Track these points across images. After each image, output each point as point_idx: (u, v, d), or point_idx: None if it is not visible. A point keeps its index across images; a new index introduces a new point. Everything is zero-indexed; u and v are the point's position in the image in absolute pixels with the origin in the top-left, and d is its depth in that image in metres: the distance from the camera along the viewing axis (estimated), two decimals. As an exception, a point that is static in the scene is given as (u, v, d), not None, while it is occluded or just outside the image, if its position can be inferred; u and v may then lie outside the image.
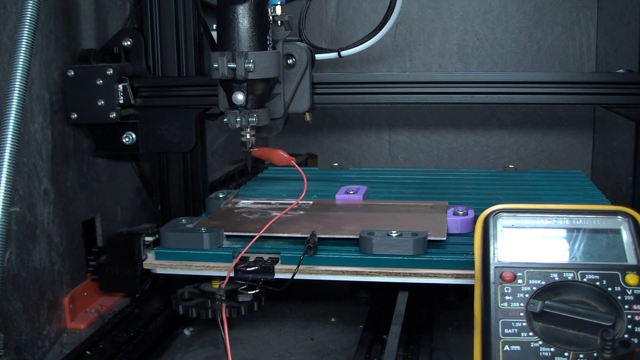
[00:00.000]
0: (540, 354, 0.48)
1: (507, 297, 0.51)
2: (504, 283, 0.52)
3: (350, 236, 0.78)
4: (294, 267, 0.74)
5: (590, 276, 0.51)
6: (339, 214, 0.88)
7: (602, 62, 1.37)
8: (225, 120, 0.81)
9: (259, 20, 0.78)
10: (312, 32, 1.43)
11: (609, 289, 0.50)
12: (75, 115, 0.93)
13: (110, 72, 0.93)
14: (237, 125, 0.81)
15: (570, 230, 0.55)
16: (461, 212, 0.83)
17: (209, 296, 0.79)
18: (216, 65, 0.78)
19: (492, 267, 0.53)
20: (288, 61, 0.89)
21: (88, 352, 0.75)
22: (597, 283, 0.51)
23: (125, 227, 1.00)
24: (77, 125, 0.95)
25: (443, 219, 0.82)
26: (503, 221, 0.56)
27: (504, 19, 1.42)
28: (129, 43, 0.98)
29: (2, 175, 0.62)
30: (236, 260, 0.75)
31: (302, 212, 0.88)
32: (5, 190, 0.62)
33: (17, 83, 0.65)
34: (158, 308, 0.88)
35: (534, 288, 0.51)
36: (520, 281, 0.52)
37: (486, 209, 0.57)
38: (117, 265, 0.89)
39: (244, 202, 0.94)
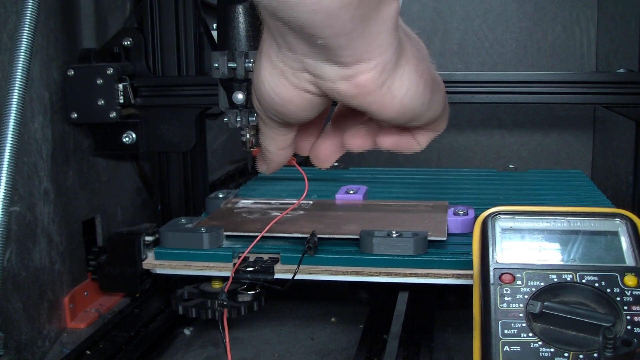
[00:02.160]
0: (540, 354, 0.48)
1: (506, 298, 0.51)
2: (503, 284, 0.52)
3: (351, 236, 0.78)
4: (294, 267, 0.74)
5: (589, 277, 0.51)
6: (339, 213, 0.88)
7: (602, 61, 1.37)
8: (225, 119, 0.81)
9: (259, 19, 0.78)
10: (312, 32, 1.43)
11: (608, 290, 0.50)
12: (76, 115, 0.93)
13: (110, 71, 0.93)
14: (238, 125, 0.80)
15: (568, 232, 0.55)
16: (461, 212, 0.83)
17: (209, 296, 0.79)
18: (216, 65, 0.78)
19: (491, 269, 0.53)
20: (288, 61, 0.89)
21: (88, 352, 0.75)
22: (596, 284, 0.51)
23: (125, 226, 1.00)
24: (77, 125, 0.95)
25: (443, 218, 0.82)
26: (501, 223, 0.56)
27: (505, 18, 1.42)
28: (129, 42, 0.98)
29: (2, 174, 0.62)
30: (238, 263, 0.75)
31: (302, 212, 0.88)
32: (5, 189, 0.62)
33: (17, 82, 0.65)
34: (158, 308, 0.88)
35: (533, 289, 0.51)
36: (519, 282, 0.52)
37: (486, 209, 0.57)
38: (117, 265, 0.89)
39: (244, 202, 0.94)
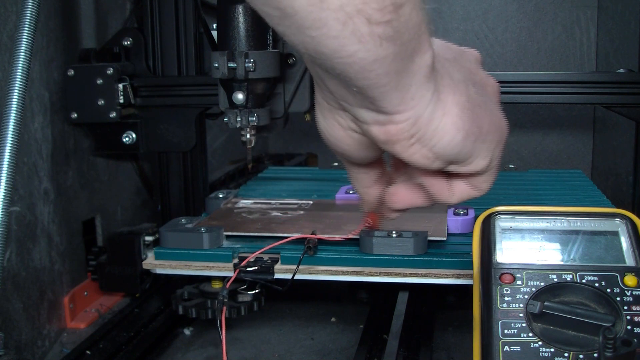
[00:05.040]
0: (540, 354, 0.48)
1: (506, 298, 0.51)
2: (503, 284, 0.52)
3: (351, 236, 0.78)
4: (294, 267, 0.74)
5: (589, 277, 0.51)
6: (339, 213, 0.88)
7: (602, 61, 1.37)
8: (225, 119, 0.81)
9: (259, 19, 0.78)
10: (312, 32, 1.43)
11: (608, 290, 0.50)
12: (76, 115, 0.93)
13: (110, 71, 0.93)
14: (238, 125, 0.81)
15: (568, 232, 0.55)
16: (461, 212, 0.83)
17: (209, 296, 0.79)
18: (216, 65, 0.78)
19: (491, 269, 0.53)
20: (288, 60, 0.89)
21: (88, 352, 0.76)
22: (596, 284, 0.51)
23: (125, 226, 1.00)
24: (77, 125, 0.95)
25: (443, 218, 0.82)
26: (502, 223, 0.56)
27: (505, 18, 1.42)
28: (129, 42, 0.98)
29: (2, 174, 0.62)
30: (239, 269, 0.75)
31: (302, 212, 0.89)
32: (5, 189, 0.62)
33: (17, 82, 0.65)
34: (158, 308, 0.88)
35: (533, 289, 0.51)
36: (519, 282, 0.52)
37: (486, 209, 0.57)
38: (117, 264, 0.89)
39: (244, 202, 0.94)
